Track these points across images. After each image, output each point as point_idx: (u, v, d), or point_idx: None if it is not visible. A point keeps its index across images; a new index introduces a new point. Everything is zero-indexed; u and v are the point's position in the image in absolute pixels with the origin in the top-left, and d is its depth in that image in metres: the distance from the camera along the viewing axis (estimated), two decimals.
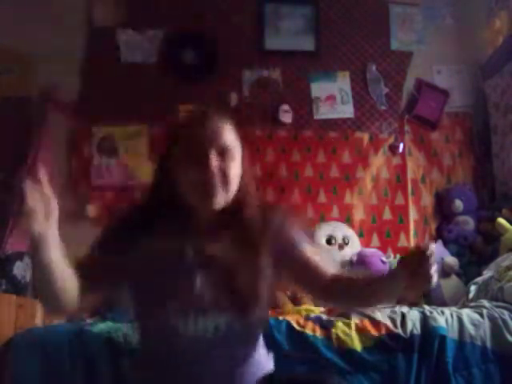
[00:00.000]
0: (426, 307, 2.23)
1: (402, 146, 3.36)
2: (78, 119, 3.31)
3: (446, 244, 3.11)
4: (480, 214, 3.19)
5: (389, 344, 2.03)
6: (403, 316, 2.11)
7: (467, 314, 2.12)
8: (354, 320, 2.09)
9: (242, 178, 1.30)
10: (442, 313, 2.12)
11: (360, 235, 3.22)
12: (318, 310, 2.38)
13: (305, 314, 2.23)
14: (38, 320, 2.38)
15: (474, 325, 2.07)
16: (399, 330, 2.05)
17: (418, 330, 2.05)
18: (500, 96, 3.20)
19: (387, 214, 3.29)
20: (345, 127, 3.38)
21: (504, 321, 2.07)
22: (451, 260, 2.97)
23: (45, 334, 2.09)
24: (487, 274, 2.52)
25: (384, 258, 3.00)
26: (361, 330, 2.06)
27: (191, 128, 1.29)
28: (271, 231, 1.31)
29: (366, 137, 3.38)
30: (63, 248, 1.19)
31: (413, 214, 3.30)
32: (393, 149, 3.37)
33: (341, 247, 3.06)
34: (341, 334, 2.03)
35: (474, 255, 3.09)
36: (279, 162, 3.31)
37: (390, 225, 3.28)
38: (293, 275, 1.39)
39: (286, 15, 3.44)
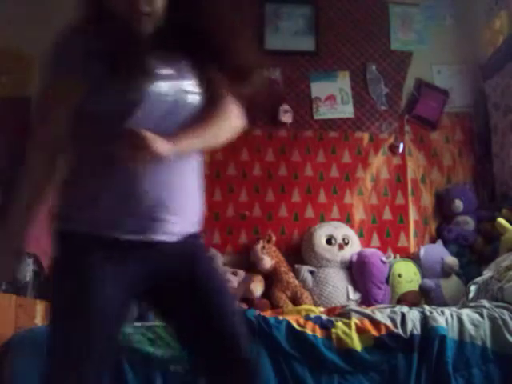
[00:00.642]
0: (426, 307, 2.23)
1: (401, 145, 3.36)
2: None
3: (446, 244, 3.12)
4: (480, 214, 3.20)
5: (389, 344, 2.03)
6: (403, 316, 2.11)
7: (467, 314, 2.13)
8: (354, 320, 2.10)
9: None
10: (442, 313, 2.12)
11: (360, 235, 3.22)
12: (318, 310, 2.38)
13: (305, 314, 2.23)
14: (38, 320, 2.38)
15: (474, 325, 2.07)
16: (399, 330, 2.05)
17: (417, 330, 2.05)
18: (500, 96, 3.20)
19: (387, 214, 3.29)
20: (345, 127, 3.38)
21: (504, 321, 2.08)
22: (451, 260, 2.98)
23: (45, 334, 2.08)
24: (487, 273, 2.52)
25: (384, 258, 3.01)
26: (361, 330, 2.06)
27: None
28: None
29: (366, 137, 3.38)
30: None
31: (413, 214, 3.30)
32: (393, 149, 3.37)
33: (341, 247, 3.06)
34: (341, 334, 2.04)
35: (474, 255, 3.09)
36: (279, 162, 3.31)
37: (389, 225, 3.28)
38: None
39: (286, 15, 3.44)
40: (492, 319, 2.09)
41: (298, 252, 3.16)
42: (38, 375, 1.97)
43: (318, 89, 3.40)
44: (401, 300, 2.88)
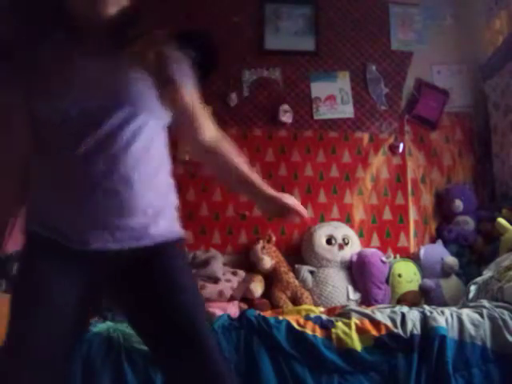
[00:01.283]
0: (426, 307, 2.23)
1: (401, 145, 3.36)
2: None
3: (446, 244, 3.12)
4: (480, 214, 3.19)
5: (389, 344, 2.03)
6: (403, 316, 2.11)
7: (467, 314, 2.13)
8: (354, 320, 2.10)
9: None
10: (442, 313, 2.12)
11: (360, 235, 3.22)
12: (318, 310, 2.38)
13: (305, 314, 2.23)
14: None
15: (474, 325, 2.07)
16: (399, 330, 2.05)
17: (417, 330, 2.05)
18: (500, 96, 3.20)
19: (387, 214, 3.29)
20: (345, 127, 3.38)
21: (504, 321, 2.07)
22: (451, 260, 2.98)
23: None
24: (487, 273, 2.52)
25: (384, 258, 3.00)
26: (361, 330, 2.06)
27: None
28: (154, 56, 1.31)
29: (366, 137, 3.38)
30: None
31: (413, 214, 3.30)
32: (393, 149, 3.37)
33: (341, 247, 3.06)
34: (341, 334, 2.04)
35: (474, 255, 3.09)
36: (279, 162, 3.31)
37: (389, 225, 3.28)
38: (173, 115, 1.38)
39: (286, 15, 3.44)
40: (492, 319, 2.09)
41: (298, 252, 3.16)
42: None
43: (318, 89, 3.40)
44: (401, 300, 2.88)
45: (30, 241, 1.35)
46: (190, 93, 1.40)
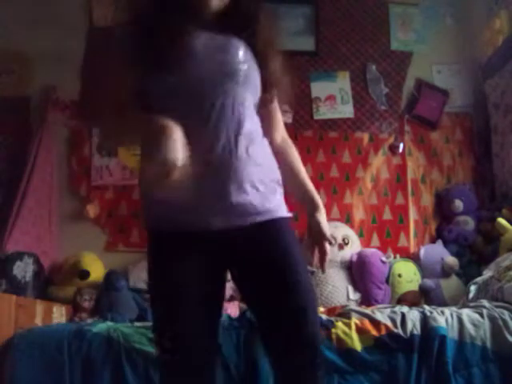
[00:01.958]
0: (426, 307, 2.23)
1: (401, 145, 3.37)
2: (78, 119, 3.31)
3: (446, 244, 3.12)
4: (480, 214, 3.20)
5: (389, 344, 2.03)
6: (403, 316, 2.11)
7: (467, 314, 2.12)
8: (354, 320, 2.09)
9: None
10: (442, 313, 2.12)
11: (360, 235, 3.22)
12: (318, 310, 2.38)
13: None
14: (38, 320, 2.38)
15: (474, 325, 2.07)
16: (399, 330, 2.05)
17: (417, 330, 2.05)
18: (500, 96, 3.20)
19: (387, 214, 3.29)
20: (345, 127, 3.38)
21: (504, 321, 2.07)
22: (451, 260, 2.98)
23: (45, 333, 2.09)
24: (487, 273, 2.52)
25: (384, 258, 3.00)
26: (361, 330, 2.06)
27: None
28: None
29: (366, 137, 3.38)
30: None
31: (413, 214, 3.30)
32: (393, 149, 3.37)
33: (341, 247, 3.06)
34: (341, 334, 2.03)
35: (474, 255, 3.09)
36: None
37: (389, 225, 3.28)
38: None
39: (286, 15, 3.44)
40: (492, 319, 2.09)
41: None
42: (38, 375, 1.98)
43: (318, 89, 3.41)
44: (401, 300, 2.88)
45: (154, 240, 1.35)
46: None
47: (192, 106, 1.28)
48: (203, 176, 1.23)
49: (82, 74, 1.46)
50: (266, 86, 1.38)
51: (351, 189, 3.31)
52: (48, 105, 3.25)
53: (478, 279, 2.54)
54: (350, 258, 3.03)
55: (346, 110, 3.40)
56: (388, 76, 3.45)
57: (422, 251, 3.07)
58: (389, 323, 2.07)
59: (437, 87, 3.45)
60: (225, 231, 1.28)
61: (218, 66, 1.31)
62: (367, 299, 2.89)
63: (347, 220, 3.25)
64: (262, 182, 1.33)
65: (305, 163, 3.45)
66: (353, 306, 2.50)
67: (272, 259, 1.31)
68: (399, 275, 2.98)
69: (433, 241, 3.24)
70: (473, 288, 2.51)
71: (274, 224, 1.34)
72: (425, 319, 2.09)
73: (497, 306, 2.17)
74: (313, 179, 3.36)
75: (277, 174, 1.42)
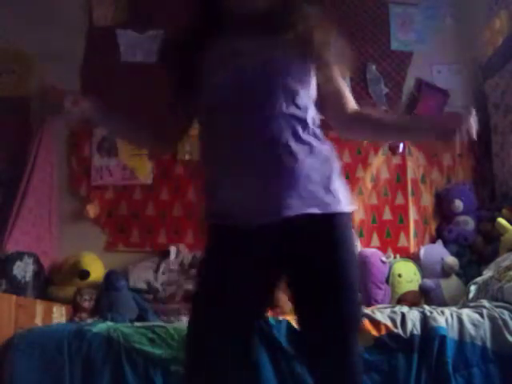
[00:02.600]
0: (426, 307, 2.23)
1: (401, 145, 3.36)
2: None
3: (446, 244, 3.11)
4: (480, 214, 3.19)
5: (389, 344, 2.03)
6: (403, 316, 2.11)
7: (467, 314, 2.13)
8: None
9: None
10: (442, 313, 2.12)
11: (360, 235, 3.22)
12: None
13: None
14: (38, 320, 2.38)
15: (474, 325, 2.07)
16: (399, 330, 2.05)
17: (417, 330, 2.05)
18: (500, 96, 3.20)
19: (387, 214, 3.29)
20: None
21: (504, 321, 2.07)
22: (451, 260, 2.98)
23: (45, 333, 2.09)
24: (487, 273, 2.52)
25: (384, 258, 3.00)
26: (361, 330, 2.05)
27: None
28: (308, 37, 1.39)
29: None
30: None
31: (413, 214, 3.30)
32: (393, 149, 3.36)
33: None
34: None
35: (474, 255, 3.09)
36: None
37: (389, 225, 3.27)
38: (319, 92, 1.44)
39: None
40: (492, 319, 2.09)
41: None
42: (37, 375, 1.98)
43: None
44: (401, 300, 2.88)
45: (210, 234, 1.37)
46: (336, 69, 1.47)
47: (246, 105, 1.30)
48: (253, 173, 1.27)
49: None
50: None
51: (351, 189, 3.25)
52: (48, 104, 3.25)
53: (478, 279, 2.54)
54: None
55: None
56: (388, 76, 3.45)
57: (422, 251, 3.07)
58: (389, 323, 2.07)
59: (437, 87, 3.45)
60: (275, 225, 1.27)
61: (263, 66, 1.32)
62: (367, 299, 2.89)
63: None
64: (314, 181, 1.33)
65: None
66: None
67: (326, 265, 1.30)
68: (399, 275, 2.98)
69: (433, 241, 3.23)
70: (473, 288, 2.51)
71: (330, 220, 1.32)
72: (425, 319, 2.09)
73: (497, 306, 2.17)
74: None
75: (331, 170, 1.40)
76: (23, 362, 1.98)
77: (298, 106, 1.33)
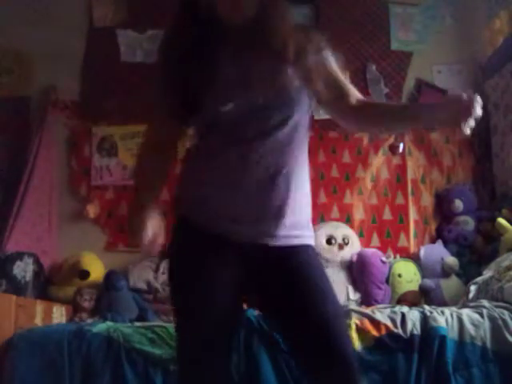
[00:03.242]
0: (426, 307, 2.23)
1: (402, 145, 3.36)
2: (77, 119, 3.32)
3: (446, 244, 3.11)
4: (480, 214, 3.19)
5: (389, 344, 2.03)
6: (403, 316, 2.11)
7: (467, 314, 2.13)
8: (354, 320, 2.10)
9: None
10: (442, 313, 2.12)
11: (360, 235, 3.22)
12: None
13: None
14: (38, 320, 2.38)
15: (474, 325, 2.07)
16: (399, 330, 2.05)
17: (417, 330, 2.05)
18: (500, 96, 3.20)
19: (387, 214, 3.29)
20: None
21: (504, 321, 2.07)
22: (451, 260, 2.98)
23: (45, 333, 2.09)
24: (487, 274, 2.52)
25: (384, 258, 3.00)
26: (361, 330, 2.06)
27: None
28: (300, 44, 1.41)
29: (365, 137, 3.38)
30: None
31: (413, 214, 3.30)
32: (393, 149, 3.36)
33: (341, 247, 3.06)
34: None
35: (474, 255, 3.09)
36: None
37: (390, 225, 3.28)
38: (322, 92, 1.44)
39: None
40: (492, 319, 2.09)
41: None
42: (38, 375, 1.98)
43: None
44: (401, 300, 2.88)
45: (184, 232, 1.39)
46: (332, 65, 1.51)
47: (240, 131, 1.30)
48: (250, 193, 1.29)
49: None
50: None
51: (351, 189, 3.31)
52: (48, 105, 3.26)
53: (478, 279, 2.54)
54: (350, 258, 3.03)
55: None
56: (388, 76, 3.45)
57: (422, 251, 3.07)
58: (389, 323, 2.07)
59: (437, 87, 3.45)
60: (256, 246, 1.31)
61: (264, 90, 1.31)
62: (367, 299, 2.89)
63: (347, 220, 3.25)
64: (298, 213, 1.35)
65: None
66: (353, 305, 2.50)
67: (302, 283, 1.32)
68: (399, 275, 2.98)
69: (433, 241, 3.23)
70: (473, 288, 2.50)
71: (306, 250, 1.36)
72: (425, 319, 2.09)
73: (497, 306, 2.17)
74: (313, 179, 3.38)
75: (309, 213, 1.42)
76: (23, 362, 1.98)
77: (296, 139, 1.35)
